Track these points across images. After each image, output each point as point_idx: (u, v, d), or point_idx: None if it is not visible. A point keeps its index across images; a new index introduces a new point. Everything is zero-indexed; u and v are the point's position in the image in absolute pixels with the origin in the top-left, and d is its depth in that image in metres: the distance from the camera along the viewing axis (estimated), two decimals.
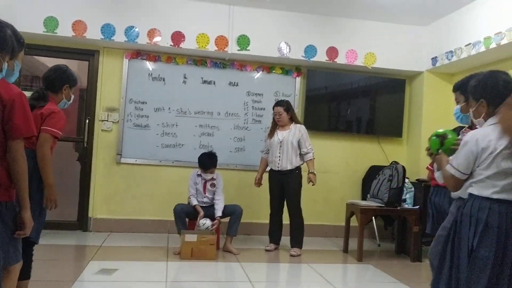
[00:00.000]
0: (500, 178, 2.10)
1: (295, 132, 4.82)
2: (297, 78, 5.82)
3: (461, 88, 2.75)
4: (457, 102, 2.84)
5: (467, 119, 2.76)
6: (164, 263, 4.19)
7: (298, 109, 5.73)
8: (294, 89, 5.81)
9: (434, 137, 2.46)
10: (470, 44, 4.83)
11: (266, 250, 4.91)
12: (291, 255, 4.76)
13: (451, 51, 5.17)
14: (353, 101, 5.97)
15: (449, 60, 5.20)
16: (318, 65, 5.72)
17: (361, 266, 4.62)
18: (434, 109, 5.66)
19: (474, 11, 4.86)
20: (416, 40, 5.71)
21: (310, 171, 4.78)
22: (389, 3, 5.06)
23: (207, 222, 4.58)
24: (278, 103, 4.93)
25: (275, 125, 4.94)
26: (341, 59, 5.59)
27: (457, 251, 2.16)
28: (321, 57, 5.54)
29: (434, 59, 5.51)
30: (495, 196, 2.09)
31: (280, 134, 4.85)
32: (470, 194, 2.18)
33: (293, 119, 4.92)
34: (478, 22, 4.78)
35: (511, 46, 4.38)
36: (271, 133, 4.94)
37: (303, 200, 4.89)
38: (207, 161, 4.83)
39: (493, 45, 4.50)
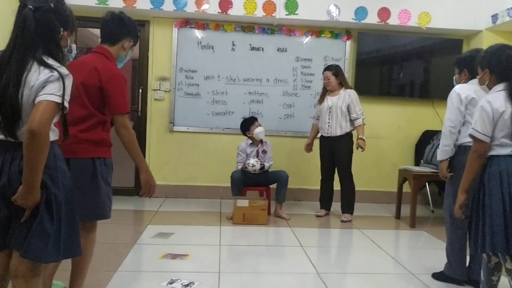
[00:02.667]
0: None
1: (345, 97, 4.74)
2: (347, 41, 5.67)
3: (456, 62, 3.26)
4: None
5: None
6: (217, 227, 4.32)
7: (349, 74, 5.61)
8: (344, 53, 5.68)
9: None
10: None
11: (317, 216, 4.95)
12: (342, 221, 4.77)
13: None
14: (406, 64, 5.76)
15: (511, 17, 4.88)
16: (369, 28, 5.53)
17: (414, 232, 4.56)
18: None
19: None
20: None
21: (359, 136, 4.71)
22: None
23: (256, 164, 4.67)
24: (327, 68, 4.86)
25: (325, 91, 4.88)
26: (393, 20, 5.38)
27: (488, 209, 2.33)
28: (372, 19, 5.35)
29: (495, 17, 5.18)
30: None
31: (329, 100, 4.79)
32: (491, 156, 2.38)
33: (342, 84, 4.83)
34: None
35: None
36: (321, 99, 4.89)
37: (354, 166, 4.85)
38: (248, 119, 4.97)
39: None
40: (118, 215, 4.69)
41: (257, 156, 4.86)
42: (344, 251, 4.08)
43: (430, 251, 3.96)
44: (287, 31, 5.60)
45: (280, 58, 5.62)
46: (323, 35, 5.64)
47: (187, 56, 5.52)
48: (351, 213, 4.85)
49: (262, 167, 4.72)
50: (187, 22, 5.48)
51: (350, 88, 4.92)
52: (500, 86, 2.41)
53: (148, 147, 5.57)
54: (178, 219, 4.63)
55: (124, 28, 2.49)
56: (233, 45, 5.57)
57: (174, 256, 3.41)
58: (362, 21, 5.34)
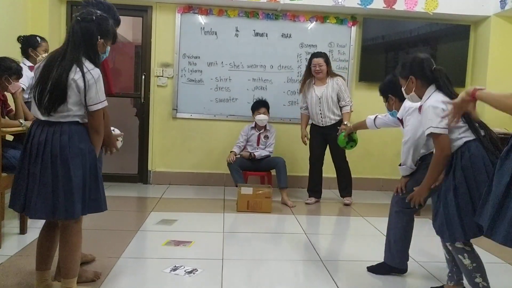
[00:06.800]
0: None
1: (333, 85, 4.71)
2: (352, 27, 5.59)
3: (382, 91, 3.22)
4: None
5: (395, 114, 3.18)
6: (221, 215, 4.31)
7: (354, 60, 5.55)
8: (349, 39, 5.60)
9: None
10: None
11: (307, 204, 4.92)
12: (346, 204, 4.81)
13: None
14: (412, 50, 5.68)
15: None
16: (375, 13, 5.45)
17: (418, 220, 4.49)
18: (501, 57, 5.30)
19: None
20: None
21: (344, 122, 4.66)
22: None
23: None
24: (319, 54, 4.77)
25: (307, 77, 4.81)
26: (399, 6, 5.29)
27: (474, 192, 2.26)
28: (378, 4, 5.26)
29: (503, 2, 5.09)
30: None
31: (317, 90, 4.74)
32: (466, 141, 2.35)
33: (329, 72, 4.77)
34: None
35: None
36: (303, 86, 4.85)
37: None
38: (257, 102, 5.01)
39: None
40: (121, 202, 4.71)
41: (258, 141, 4.86)
42: (348, 239, 4.05)
43: (435, 239, 3.92)
44: (292, 16, 5.52)
45: (284, 44, 5.56)
46: (328, 21, 5.57)
47: (190, 42, 5.46)
48: (351, 195, 4.94)
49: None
50: (190, 8, 5.41)
51: (337, 75, 4.84)
52: (432, 88, 2.43)
53: (151, 134, 5.55)
54: (182, 206, 4.62)
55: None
56: (237, 30, 5.50)
57: (178, 243, 3.40)
58: (367, 6, 5.26)
